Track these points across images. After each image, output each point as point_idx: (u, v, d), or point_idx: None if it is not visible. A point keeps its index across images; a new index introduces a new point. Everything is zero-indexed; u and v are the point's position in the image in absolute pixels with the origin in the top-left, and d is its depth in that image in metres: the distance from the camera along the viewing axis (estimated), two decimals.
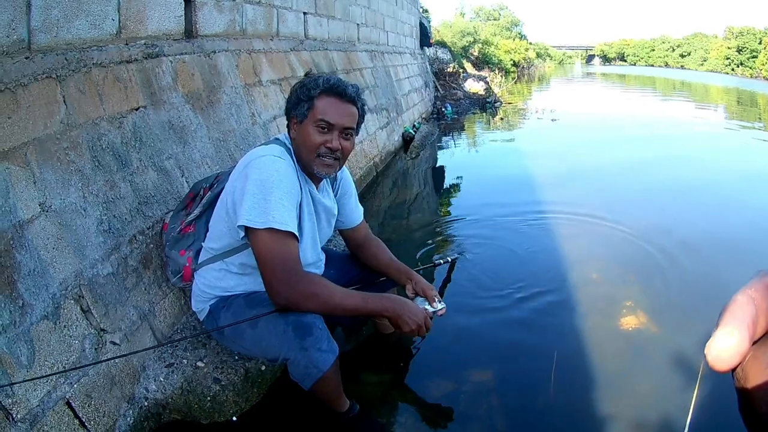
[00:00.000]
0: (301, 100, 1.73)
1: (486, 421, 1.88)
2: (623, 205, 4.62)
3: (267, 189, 1.58)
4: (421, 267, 2.06)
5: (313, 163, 1.73)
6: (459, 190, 5.41)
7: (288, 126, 1.81)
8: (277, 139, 1.83)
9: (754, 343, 1.02)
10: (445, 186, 5.69)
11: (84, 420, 1.49)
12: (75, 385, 1.50)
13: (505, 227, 3.94)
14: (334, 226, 2.03)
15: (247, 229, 1.59)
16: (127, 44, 2.25)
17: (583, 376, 2.11)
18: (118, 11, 2.19)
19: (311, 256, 1.86)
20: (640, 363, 2.27)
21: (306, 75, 1.82)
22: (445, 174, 6.20)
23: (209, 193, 1.91)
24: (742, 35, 49.02)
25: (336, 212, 1.98)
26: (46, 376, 1.40)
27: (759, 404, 1.06)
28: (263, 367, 1.90)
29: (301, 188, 1.73)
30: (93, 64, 1.98)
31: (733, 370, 1.05)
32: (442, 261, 2.30)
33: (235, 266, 1.79)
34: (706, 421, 1.78)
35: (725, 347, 0.99)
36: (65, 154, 1.73)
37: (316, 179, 1.82)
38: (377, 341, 2.27)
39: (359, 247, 2.11)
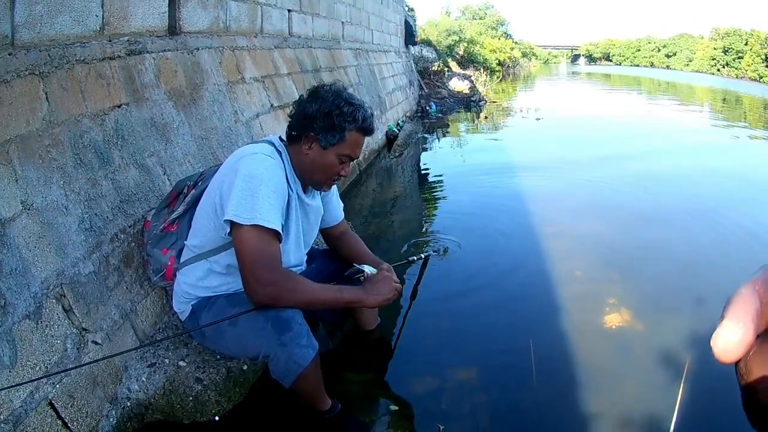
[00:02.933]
0: (335, 128, 1.74)
1: (470, 419, 1.90)
2: (608, 200, 4.70)
3: (255, 185, 1.59)
4: (396, 263, 2.09)
5: (323, 183, 1.85)
6: (441, 187, 5.44)
7: (298, 136, 1.79)
8: (268, 140, 1.82)
9: (758, 336, 1.07)
10: (427, 183, 5.72)
11: (67, 420, 1.49)
12: (57, 386, 1.50)
13: (487, 224, 3.99)
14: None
15: (232, 225, 1.59)
16: (110, 41, 2.23)
17: (568, 375, 2.15)
18: (102, 7, 2.16)
19: (294, 259, 1.87)
20: (624, 361, 2.31)
21: (330, 86, 1.81)
22: (428, 171, 6.23)
23: (193, 190, 1.90)
24: (728, 36, 49.35)
25: (322, 212, 2.00)
26: (27, 382, 1.39)
27: (762, 397, 1.11)
28: (245, 367, 1.91)
29: (290, 189, 1.75)
30: (76, 60, 1.96)
31: (737, 363, 1.09)
32: (416, 258, 2.34)
33: (220, 266, 1.79)
34: (692, 417, 1.82)
35: (731, 338, 1.03)
36: (47, 151, 1.71)
37: (305, 182, 1.85)
38: (359, 339, 2.28)
39: (337, 241, 2.15)
